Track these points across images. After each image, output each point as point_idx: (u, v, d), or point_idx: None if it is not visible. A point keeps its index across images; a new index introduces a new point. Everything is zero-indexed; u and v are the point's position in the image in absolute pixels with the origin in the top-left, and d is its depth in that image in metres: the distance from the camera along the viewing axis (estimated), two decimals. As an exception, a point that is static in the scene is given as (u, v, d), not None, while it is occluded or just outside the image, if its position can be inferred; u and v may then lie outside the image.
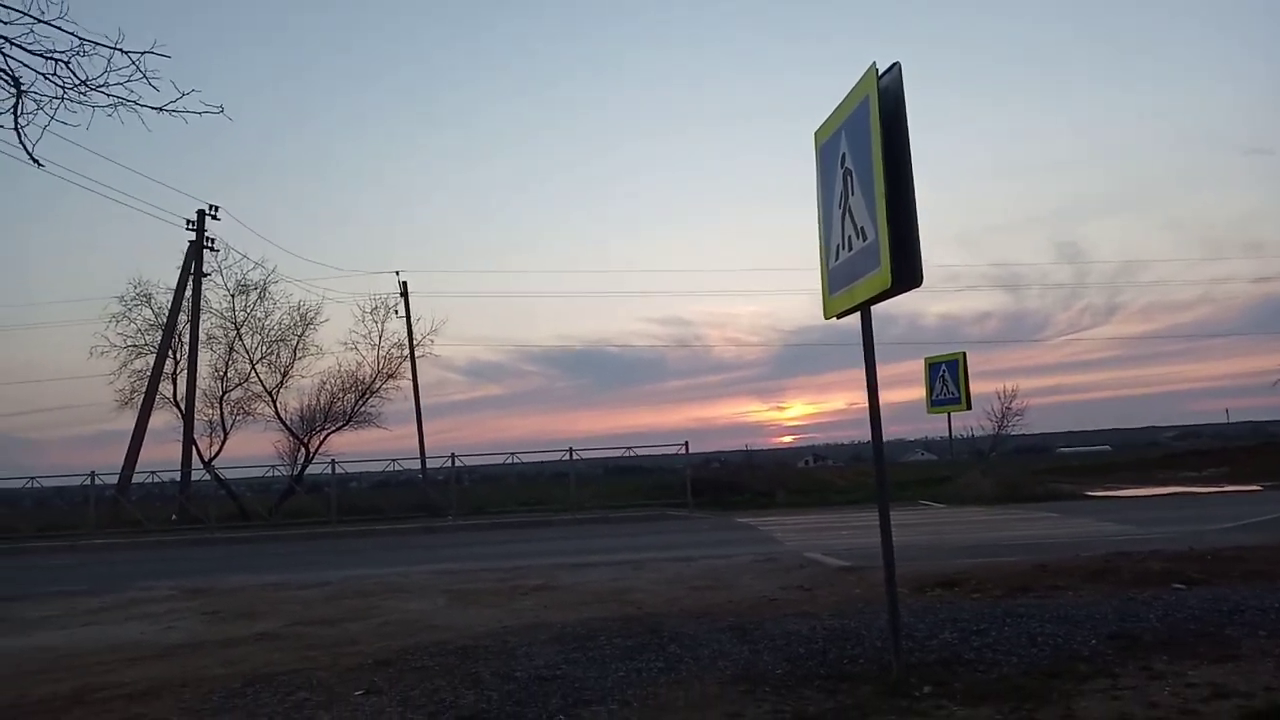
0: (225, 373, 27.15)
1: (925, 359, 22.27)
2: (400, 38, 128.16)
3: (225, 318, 27.25)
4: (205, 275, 26.95)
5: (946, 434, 24.21)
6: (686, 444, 23.69)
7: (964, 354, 21.48)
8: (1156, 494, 22.39)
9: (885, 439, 5.00)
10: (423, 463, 30.69)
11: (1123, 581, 7.25)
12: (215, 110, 5.31)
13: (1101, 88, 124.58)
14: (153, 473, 26.19)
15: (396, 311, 31.25)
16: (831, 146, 5.11)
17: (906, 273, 4.35)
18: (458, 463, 24.51)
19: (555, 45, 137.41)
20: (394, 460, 25.84)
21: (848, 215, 4.87)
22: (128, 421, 26.21)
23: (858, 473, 33.36)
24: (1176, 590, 6.84)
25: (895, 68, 4.45)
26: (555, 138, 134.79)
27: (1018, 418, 28.13)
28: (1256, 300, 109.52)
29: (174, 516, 24.90)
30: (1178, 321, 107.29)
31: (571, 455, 23.84)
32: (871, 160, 4.47)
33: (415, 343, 31.28)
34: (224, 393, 27.09)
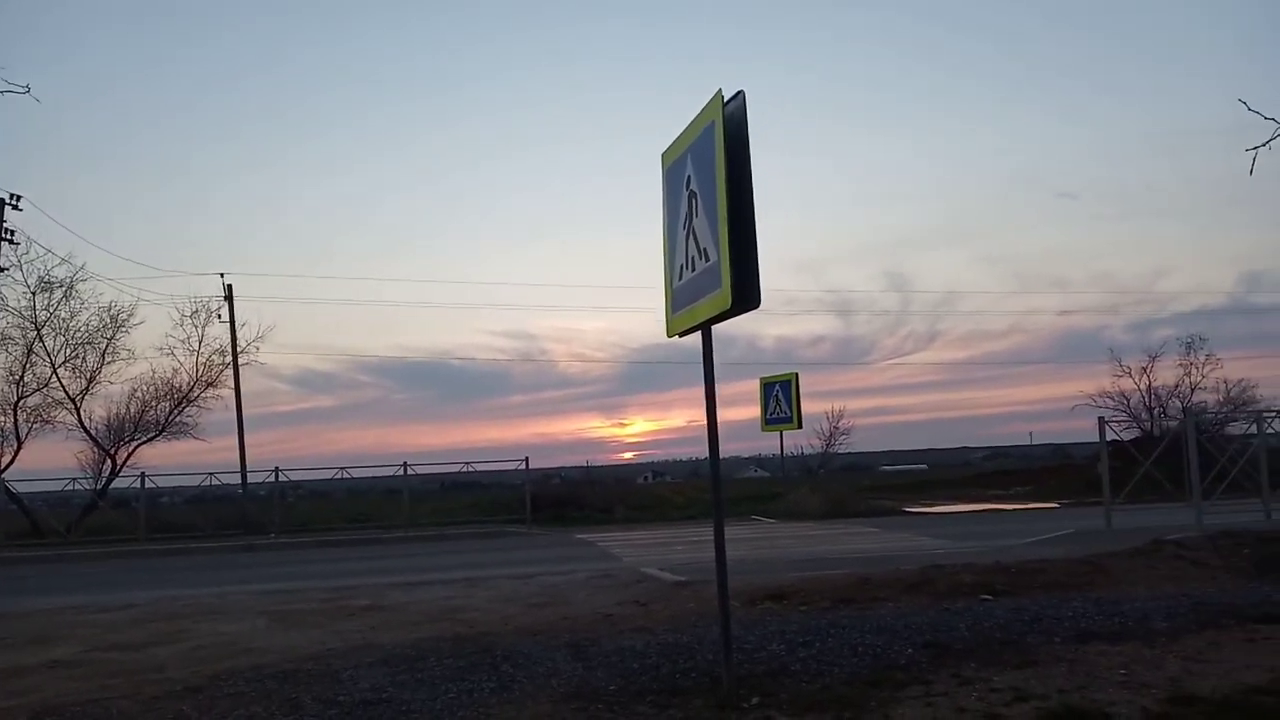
0: (22, 377, 24.90)
1: (761, 379, 23.02)
2: (254, 39, 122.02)
3: (24, 317, 24.98)
4: (2, 270, 24.67)
5: (779, 451, 25.10)
6: (527, 459, 23.36)
7: (796, 375, 22.32)
8: (969, 510, 23.96)
9: (722, 456, 5.11)
10: (243, 477, 28.97)
11: (938, 593, 7.68)
12: (20, 89, 4.90)
13: (937, 123, 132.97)
14: (-69, 485, 23.67)
15: (219, 316, 29.52)
16: (678, 169, 5.20)
17: (746, 294, 4.46)
18: (282, 477, 23.38)
19: (407, 62, 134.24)
20: (211, 474, 24.30)
21: (691, 236, 4.96)
22: (-99, 428, 23.67)
23: (695, 488, 34.01)
24: (984, 601, 7.30)
25: (740, 95, 4.57)
26: (402, 152, 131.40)
27: (844, 437, 29.69)
28: (1060, 332, 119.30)
29: (-45, 534, 22.56)
30: (992, 349, 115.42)
31: (406, 470, 23.17)
32: (715, 184, 4.57)
33: (239, 349, 29.63)
34: (20, 398, 24.82)
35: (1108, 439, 15.87)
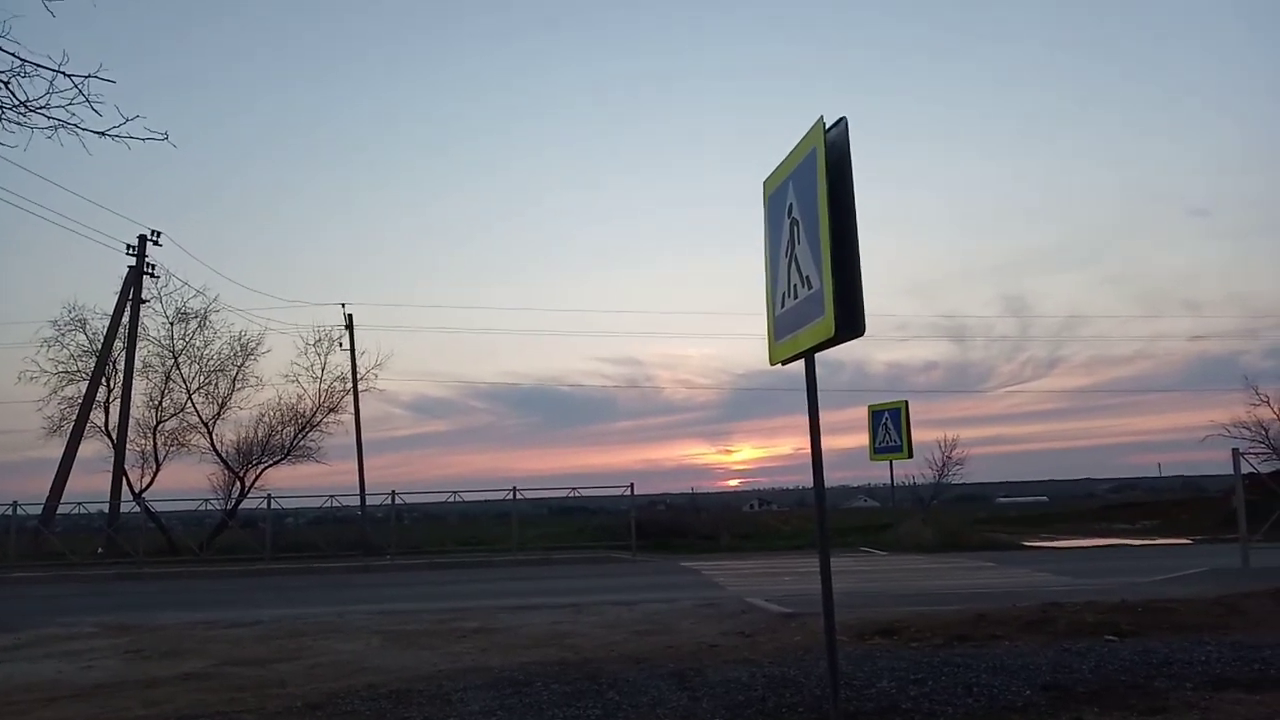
0: (160, 402, 26.57)
1: (869, 406, 22.57)
2: (359, 74, 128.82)
3: (163, 346, 26.74)
4: (144, 302, 26.39)
5: (889, 481, 24.48)
6: (632, 486, 23.47)
7: (906, 402, 21.82)
8: (1092, 545, 22.84)
9: (829, 485, 5.04)
10: (362, 500, 30.12)
11: (1058, 632, 7.35)
12: (159, 137, 5.26)
13: (1051, 144, 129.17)
14: (79, 504, 25.32)
15: (341, 344, 30.86)
16: (779, 196, 5.19)
17: (849, 322, 4.41)
18: (398, 500, 24.10)
19: (515, 88, 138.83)
20: (332, 496, 25.29)
21: (794, 264, 4.94)
22: (55, 449, 25.45)
23: (802, 518, 33.49)
24: (1109, 642, 6.95)
25: (842, 122, 4.55)
26: (512, 178, 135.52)
27: (958, 467, 28.57)
28: (1191, 357, 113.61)
29: (100, 549, 24.05)
30: (1117, 376, 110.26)
31: (515, 495, 23.57)
32: (817, 211, 4.55)
33: (359, 376, 30.84)
34: (158, 423, 26.48)
35: (1244, 471, 14.95)
